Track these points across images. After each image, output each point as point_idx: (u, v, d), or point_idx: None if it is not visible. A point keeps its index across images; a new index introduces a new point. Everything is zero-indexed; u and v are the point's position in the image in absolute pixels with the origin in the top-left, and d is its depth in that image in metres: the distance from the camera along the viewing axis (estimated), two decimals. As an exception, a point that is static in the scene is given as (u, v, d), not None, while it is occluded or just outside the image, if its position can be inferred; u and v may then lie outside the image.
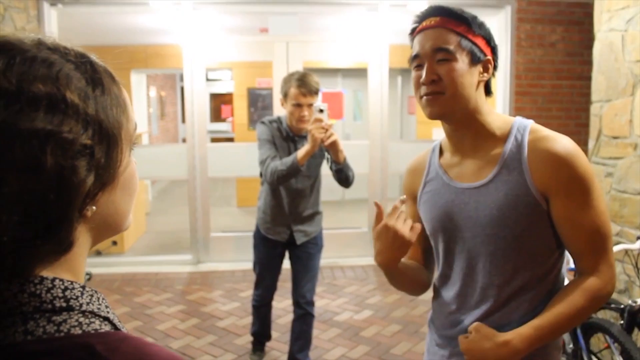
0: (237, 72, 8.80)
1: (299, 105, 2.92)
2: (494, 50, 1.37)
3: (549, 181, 1.26)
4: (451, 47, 1.29)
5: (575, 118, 5.45)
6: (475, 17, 1.35)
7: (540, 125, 1.35)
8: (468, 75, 1.30)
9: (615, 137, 3.29)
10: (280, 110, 4.73)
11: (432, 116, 1.33)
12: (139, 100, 9.77)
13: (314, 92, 2.92)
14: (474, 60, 1.31)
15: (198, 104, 5.48)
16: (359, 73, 8.28)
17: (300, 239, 3.14)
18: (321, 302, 4.45)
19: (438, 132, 7.13)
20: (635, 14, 3.14)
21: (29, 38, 0.60)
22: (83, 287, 0.61)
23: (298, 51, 5.82)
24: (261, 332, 3.48)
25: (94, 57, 0.65)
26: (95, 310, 0.61)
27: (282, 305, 4.29)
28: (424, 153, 1.55)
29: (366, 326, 4.06)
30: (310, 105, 2.91)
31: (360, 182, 4.15)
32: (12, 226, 0.54)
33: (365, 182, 5.73)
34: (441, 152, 1.48)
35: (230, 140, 10.57)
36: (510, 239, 1.30)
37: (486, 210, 1.31)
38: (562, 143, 1.27)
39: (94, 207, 0.62)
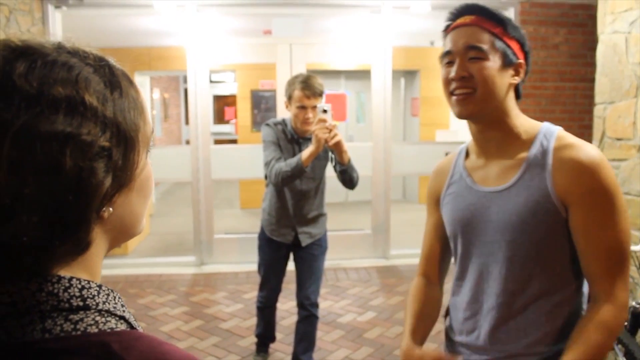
0: (240, 74, 8.81)
1: (303, 108, 2.93)
2: (527, 54, 1.35)
3: (570, 190, 1.23)
4: (484, 46, 1.27)
5: (578, 120, 5.45)
6: (510, 20, 1.33)
7: (567, 133, 1.32)
8: (499, 76, 1.28)
9: (618, 139, 3.29)
10: (283, 111, 4.74)
11: (462, 115, 1.32)
12: (143, 102, 9.77)
13: (318, 94, 2.93)
14: (506, 63, 1.29)
15: (201, 106, 5.49)
16: (362, 75, 8.29)
17: (305, 241, 3.14)
18: (325, 304, 4.46)
19: (441, 134, 7.15)
20: (638, 17, 3.14)
21: (49, 42, 0.61)
22: (99, 286, 0.62)
23: (301, 53, 5.83)
24: (265, 334, 3.48)
25: (112, 60, 0.66)
26: (111, 309, 0.62)
27: (286, 307, 4.30)
28: (451, 155, 1.53)
29: (370, 328, 4.07)
30: (314, 108, 2.91)
31: (364, 184, 4.16)
32: (32, 227, 0.55)
33: (369, 184, 5.74)
34: (468, 154, 1.46)
35: (234, 142, 10.59)
36: (528, 246, 1.27)
37: (506, 215, 1.29)
38: (588, 152, 1.24)
39: (110, 209, 0.62)
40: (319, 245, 3.20)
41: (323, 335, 3.89)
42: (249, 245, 4.73)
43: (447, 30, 1.35)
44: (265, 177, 3.10)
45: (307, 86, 2.90)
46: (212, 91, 13.60)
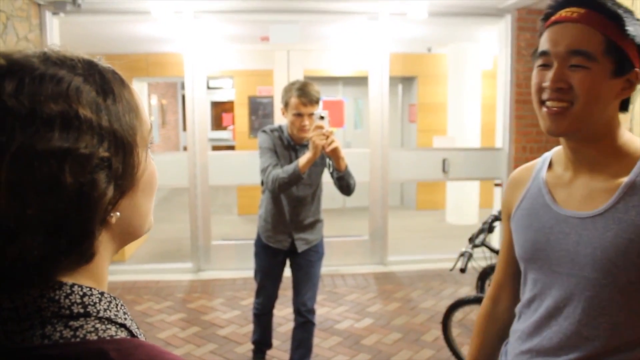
0: (238, 80, 8.82)
1: (299, 115, 2.93)
2: None
3: None
4: (592, 52, 1.02)
5: (575, 126, 5.44)
6: (632, 14, 1.05)
7: None
8: (606, 90, 1.04)
9: (615, 145, 3.30)
10: (281, 118, 4.74)
11: (552, 132, 1.09)
12: (140, 109, 9.79)
13: (315, 101, 2.93)
14: (617, 72, 1.03)
15: (199, 112, 5.49)
16: (360, 81, 8.30)
17: (301, 247, 3.14)
18: (322, 310, 4.45)
19: (438, 140, 7.14)
20: (634, 23, 3.15)
21: (35, 54, 0.60)
22: (102, 293, 0.62)
23: (299, 59, 5.84)
24: (262, 341, 3.47)
25: (101, 62, 0.65)
26: (112, 316, 0.62)
27: (283, 314, 4.29)
28: (532, 163, 1.29)
29: (367, 334, 4.06)
30: (311, 115, 2.92)
31: (361, 190, 4.16)
32: (36, 246, 0.55)
33: (366, 190, 5.74)
34: (551, 165, 1.23)
35: (231, 148, 10.58)
36: (613, 289, 1.05)
37: (588, 248, 1.07)
38: None
39: (117, 213, 0.62)
40: (316, 252, 3.19)
41: (320, 342, 3.88)
42: (247, 252, 4.71)
43: (545, 21, 1.10)
44: (262, 183, 3.10)
45: (303, 93, 2.90)
46: (209, 97, 13.62)
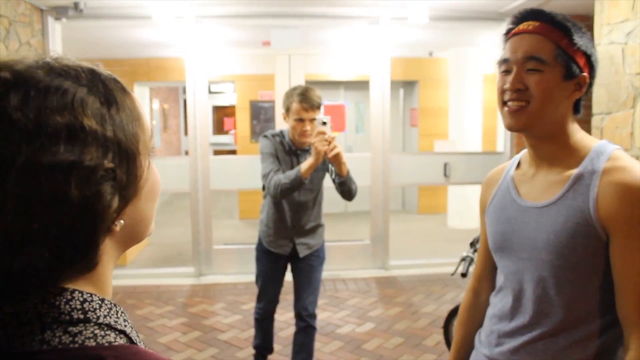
0: (239, 84, 8.84)
1: (301, 120, 2.94)
2: (592, 67, 1.24)
3: (611, 216, 1.13)
4: (545, 58, 1.19)
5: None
6: (580, 28, 1.23)
7: (624, 153, 1.22)
8: (557, 91, 1.20)
9: (616, 150, 3.29)
10: (282, 122, 4.76)
11: (512, 128, 1.25)
12: (142, 113, 9.81)
13: (316, 106, 2.94)
14: (567, 76, 1.20)
15: (200, 117, 5.50)
16: (361, 85, 8.31)
17: (302, 252, 3.14)
18: (323, 315, 4.44)
19: (440, 145, 7.14)
20: (634, 27, 3.16)
21: (39, 65, 0.60)
22: (102, 299, 0.62)
23: (300, 64, 5.85)
24: (263, 345, 3.46)
25: (102, 70, 0.65)
26: (112, 323, 0.62)
27: (284, 318, 4.28)
28: (504, 164, 1.45)
29: (368, 339, 4.05)
30: (312, 120, 2.92)
31: (363, 194, 4.15)
32: (41, 258, 0.55)
33: (368, 195, 5.74)
34: (520, 164, 1.39)
35: (233, 152, 10.61)
36: (565, 269, 1.19)
37: (544, 233, 1.22)
38: (636, 176, 1.13)
39: (122, 221, 0.63)
40: (317, 256, 3.19)
41: (321, 347, 3.87)
42: (248, 256, 4.71)
43: (507, 35, 1.28)
44: (263, 188, 3.10)
45: (305, 99, 2.91)
46: (211, 102, 13.64)
